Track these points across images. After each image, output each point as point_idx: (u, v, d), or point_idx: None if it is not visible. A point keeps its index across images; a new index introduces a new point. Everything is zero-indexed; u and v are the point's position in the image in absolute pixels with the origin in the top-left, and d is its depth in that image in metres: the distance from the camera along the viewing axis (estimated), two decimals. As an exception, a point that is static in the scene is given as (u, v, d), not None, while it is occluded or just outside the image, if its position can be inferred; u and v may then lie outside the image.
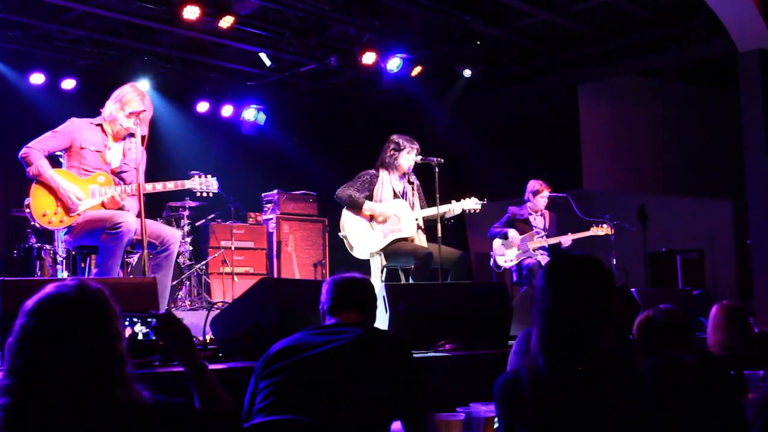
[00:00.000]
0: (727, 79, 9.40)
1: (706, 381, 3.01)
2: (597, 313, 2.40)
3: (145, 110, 5.20)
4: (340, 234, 6.49)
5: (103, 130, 5.27)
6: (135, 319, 2.94)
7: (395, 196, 6.45)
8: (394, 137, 6.50)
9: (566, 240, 8.09)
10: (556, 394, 2.32)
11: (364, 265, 6.56)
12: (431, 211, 6.41)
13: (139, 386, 2.05)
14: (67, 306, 1.99)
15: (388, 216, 6.35)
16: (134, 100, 5.21)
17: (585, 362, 2.34)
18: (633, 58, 10.36)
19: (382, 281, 6.23)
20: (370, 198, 6.39)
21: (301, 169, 11.90)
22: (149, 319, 2.94)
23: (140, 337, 2.95)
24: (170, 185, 5.31)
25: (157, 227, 5.24)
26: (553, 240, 8.11)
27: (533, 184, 8.28)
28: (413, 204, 6.52)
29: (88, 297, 2.03)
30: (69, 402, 1.93)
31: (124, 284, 4.16)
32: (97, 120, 5.29)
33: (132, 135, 5.21)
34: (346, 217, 6.43)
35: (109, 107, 5.26)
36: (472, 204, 6.57)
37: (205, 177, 5.51)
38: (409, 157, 6.41)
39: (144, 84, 10.37)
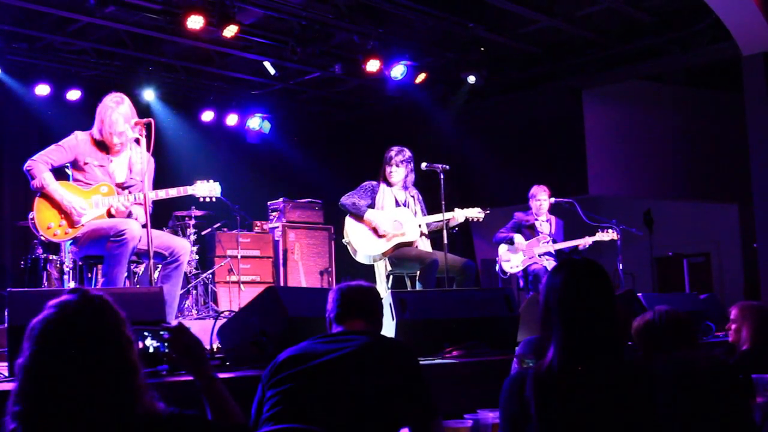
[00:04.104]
0: (732, 82, 9.39)
1: (715, 385, 3.00)
2: (611, 312, 2.40)
3: (128, 127, 5.07)
4: (343, 241, 6.50)
5: (104, 144, 5.19)
6: (146, 333, 2.94)
7: (397, 205, 6.48)
8: (388, 150, 6.53)
9: (586, 242, 8.14)
10: (566, 394, 2.31)
11: (370, 273, 6.56)
12: (434, 218, 6.43)
13: (154, 393, 2.02)
14: (73, 321, 1.94)
15: (388, 231, 6.35)
16: (114, 120, 5.07)
17: (603, 363, 2.34)
18: (637, 62, 10.37)
19: (387, 288, 6.23)
20: (372, 206, 6.41)
21: (307, 177, 11.92)
22: (161, 332, 2.93)
23: (151, 350, 2.95)
24: (173, 192, 5.27)
25: (167, 239, 5.20)
26: (570, 243, 8.12)
27: (532, 189, 8.32)
28: (415, 213, 6.54)
29: (92, 307, 1.98)
30: (87, 417, 1.89)
31: (131, 294, 4.14)
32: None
33: (137, 142, 5.12)
34: (350, 223, 6.46)
35: (96, 128, 5.15)
36: (474, 213, 6.60)
37: (208, 181, 5.48)
38: (398, 170, 6.43)
39: (149, 94, 10.44)
